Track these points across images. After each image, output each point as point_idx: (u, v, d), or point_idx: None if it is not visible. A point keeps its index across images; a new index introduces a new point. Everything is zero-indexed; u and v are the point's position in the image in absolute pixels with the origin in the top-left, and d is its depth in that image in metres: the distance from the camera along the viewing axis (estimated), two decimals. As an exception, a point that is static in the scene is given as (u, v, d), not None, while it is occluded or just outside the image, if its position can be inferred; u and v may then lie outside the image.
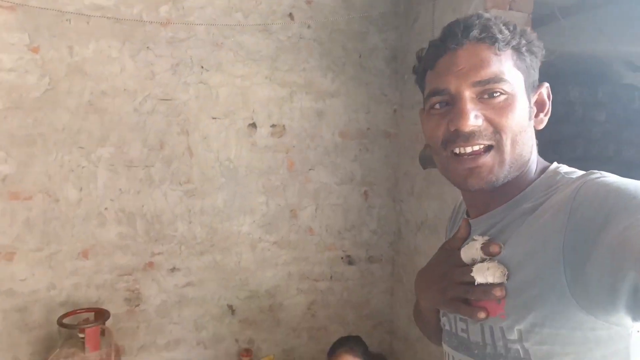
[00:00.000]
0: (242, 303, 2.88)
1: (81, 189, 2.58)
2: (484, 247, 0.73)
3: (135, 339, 2.71)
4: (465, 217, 0.84)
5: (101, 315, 2.37)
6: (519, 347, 0.67)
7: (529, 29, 0.76)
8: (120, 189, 2.63)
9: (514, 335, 0.68)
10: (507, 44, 0.72)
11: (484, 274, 0.70)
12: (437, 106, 0.75)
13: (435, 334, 0.90)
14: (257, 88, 2.81)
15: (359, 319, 3.07)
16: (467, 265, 0.75)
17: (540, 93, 0.77)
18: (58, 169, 2.54)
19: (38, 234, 2.53)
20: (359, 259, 3.06)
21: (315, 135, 2.92)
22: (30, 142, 2.46)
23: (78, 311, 2.41)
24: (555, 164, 0.77)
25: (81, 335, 2.25)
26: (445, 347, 0.85)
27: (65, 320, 2.31)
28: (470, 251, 0.75)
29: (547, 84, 0.78)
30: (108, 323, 2.42)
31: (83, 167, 2.57)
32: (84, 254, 2.60)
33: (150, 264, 2.71)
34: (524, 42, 0.73)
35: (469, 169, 0.72)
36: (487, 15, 0.74)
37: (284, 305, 2.95)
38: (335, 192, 2.98)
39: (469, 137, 0.70)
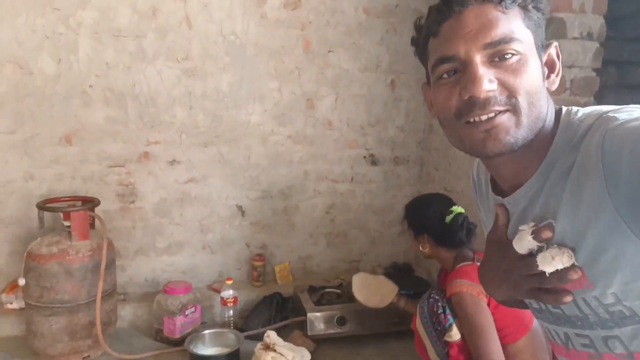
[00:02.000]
0: (253, 204, 2.53)
1: (59, 61, 2.16)
2: (536, 236, 0.69)
3: (131, 241, 2.38)
4: (495, 196, 0.83)
5: (89, 202, 2.01)
6: (621, 307, 0.66)
7: None
8: (107, 63, 2.21)
9: (610, 300, 0.67)
10: (514, 1, 0.68)
11: (551, 264, 0.68)
12: (446, 75, 0.71)
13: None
14: (267, -53, 2.34)
15: (382, 226, 2.75)
16: (526, 255, 0.72)
17: (549, 53, 0.74)
18: (30, 34, 2.10)
19: (9, 113, 2.13)
20: (384, 158, 2.70)
21: (336, 9, 2.47)
22: (-7, -4, 2.02)
23: (62, 199, 2.05)
24: (564, 110, 0.73)
25: (66, 224, 1.90)
26: (541, 322, 0.83)
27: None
28: (522, 243, 0.72)
29: (555, 43, 0.75)
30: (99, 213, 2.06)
31: (60, 33, 2.14)
32: (67, 140, 2.22)
33: (146, 155, 2.33)
34: None
35: (486, 131, 0.68)
36: None
37: (300, 208, 2.61)
38: (358, 80, 2.58)
39: (485, 104, 0.66)
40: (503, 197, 0.80)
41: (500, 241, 0.78)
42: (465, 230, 1.62)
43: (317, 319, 2.11)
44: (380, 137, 2.67)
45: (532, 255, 0.71)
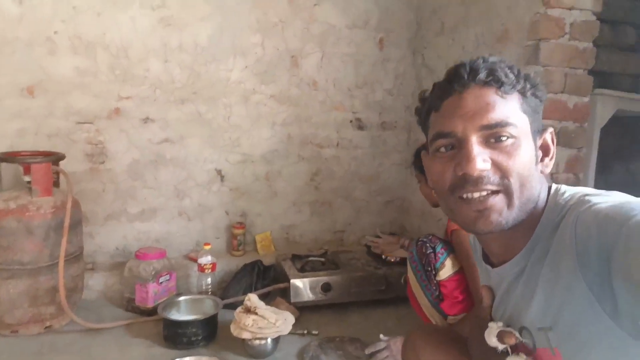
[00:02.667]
0: (233, 168, 2.38)
1: (20, 2, 1.96)
2: (499, 338, 0.75)
3: (101, 205, 2.20)
4: (485, 265, 0.85)
5: (53, 155, 1.84)
6: None
7: (532, 73, 0.83)
8: (74, 7, 2.03)
9: None
10: (513, 87, 0.71)
11: None
12: (443, 149, 0.74)
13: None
14: None
15: (369, 194, 2.64)
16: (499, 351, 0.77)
17: (544, 138, 0.76)
18: (-15, -29, 1.90)
19: (-37, 59, 1.93)
20: (371, 123, 2.58)
21: (323, -40, 2.33)
22: None
23: (22, 152, 1.87)
24: (553, 189, 0.75)
25: (27, 179, 1.73)
26: None
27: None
28: (490, 337, 0.77)
29: (551, 129, 0.77)
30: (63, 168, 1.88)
31: (20, -28, 1.94)
32: (29, 91, 2.02)
33: (117, 111, 2.16)
34: (528, 86, 0.73)
35: (478, 211, 0.70)
36: (492, 58, 0.73)
37: (283, 174, 2.47)
38: (346, 37, 2.44)
39: (478, 182, 0.69)
40: (493, 267, 0.83)
41: (483, 320, 0.81)
42: None
43: (301, 286, 1.99)
44: (368, 100, 2.54)
45: (503, 353, 0.76)
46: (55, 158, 1.80)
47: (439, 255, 1.47)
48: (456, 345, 1.01)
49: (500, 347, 0.75)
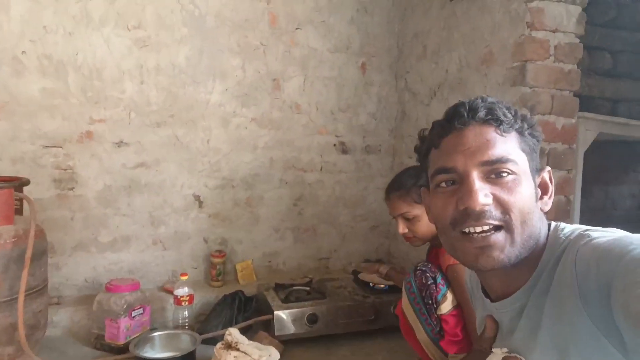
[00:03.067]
0: (212, 193, 2.28)
1: (-15, 20, 1.86)
2: None
3: (69, 234, 2.05)
4: (485, 299, 0.84)
5: (15, 181, 1.70)
6: None
7: (529, 114, 0.86)
8: (44, 27, 1.93)
9: None
10: (511, 126, 0.74)
11: None
12: (444, 184, 0.75)
13: None
14: None
15: (353, 220, 2.56)
16: None
17: (543, 176, 0.77)
18: (-51, -12, 1.80)
19: None
20: (355, 147, 2.53)
21: (304, -16, 2.32)
22: None
23: (-19, 178, 1.72)
24: (553, 226, 0.76)
25: (-15, 206, 1.58)
26: None
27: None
28: None
29: (548, 168, 0.79)
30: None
31: (-13, -11, 1.85)
32: (-7, 113, 1.90)
33: (89, 134, 2.04)
34: (526, 125, 0.75)
35: (480, 248, 0.70)
36: (490, 99, 0.76)
37: (265, 199, 2.38)
38: (328, 61, 2.42)
39: (480, 216, 0.69)
40: (492, 301, 0.82)
41: (484, 353, 0.79)
42: None
43: (285, 318, 1.87)
44: (351, 124, 2.51)
45: None
46: (18, 184, 1.66)
47: (440, 286, 1.35)
48: None
49: None
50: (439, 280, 1.36)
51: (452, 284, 1.33)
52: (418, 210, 1.44)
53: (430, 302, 1.35)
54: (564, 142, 1.72)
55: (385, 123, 2.58)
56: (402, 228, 1.48)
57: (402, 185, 1.47)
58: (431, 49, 2.25)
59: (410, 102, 2.45)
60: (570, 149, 1.73)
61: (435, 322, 1.34)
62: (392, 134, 2.58)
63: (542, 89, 1.67)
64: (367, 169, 2.57)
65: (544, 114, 1.68)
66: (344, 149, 2.51)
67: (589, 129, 1.85)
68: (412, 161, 2.32)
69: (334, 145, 2.49)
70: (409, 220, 1.46)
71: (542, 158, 1.69)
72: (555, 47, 1.67)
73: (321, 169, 2.48)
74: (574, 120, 1.72)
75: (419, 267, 1.42)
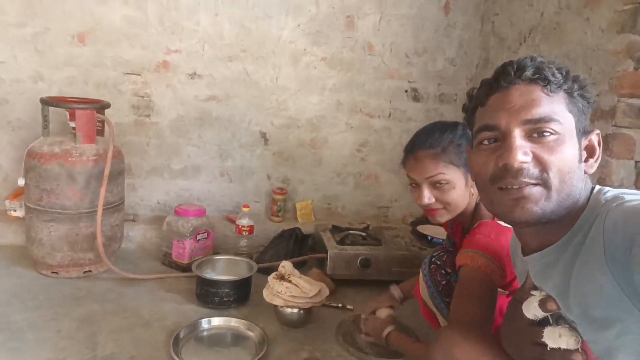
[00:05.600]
0: (278, 132, 2.30)
1: (75, -54, 1.93)
2: (541, 305, 0.74)
3: (145, 159, 2.19)
4: (522, 256, 0.84)
5: (98, 103, 1.82)
6: None
7: (582, 76, 0.76)
8: (126, -46, 1.97)
9: None
10: (559, 86, 0.73)
11: (556, 341, 0.71)
12: (486, 142, 0.77)
13: None
14: None
15: (419, 171, 2.47)
16: (537, 324, 0.76)
17: (590, 139, 0.76)
18: None
19: (19, 3, 1.93)
20: (428, 94, 2.40)
21: None
22: None
23: (70, 99, 1.86)
24: (596, 189, 0.75)
25: (72, 124, 1.72)
26: None
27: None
28: (530, 308, 0.76)
29: (598, 131, 0.77)
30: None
31: None
32: (80, 39, 2.01)
33: (165, 64, 2.11)
34: (576, 86, 0.74)
35: (515, 200, 0.72)
36: (540, 58, 0.75)
37: (329, 142, 2.36)
38: (408, -2, 2.25)
39: (518, 174, 0.70)
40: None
41: (521, 302, 0.80)
42: None
43: (339, 258, 1.89)
44: (427, 69, 2.36)
45: (542, 325, 0.75)
46: (99, 106, 1.78)
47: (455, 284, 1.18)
48: (492, 343, 0.90)
49: (541, 315, 0.74)
50: (455, 277, 1.19)
51: (458, 283, 1.13)
52: (454, 174, 1.15)
53: (448, 300, 1.21)
54: (673, 102, 1.49)
55: (465, 70, 2.39)
56: (427, 197, 1.16)
57: (437, 142, 1.17)
58: (526, -13, 2.00)
59: (495, 47, 2.24)
60: (680, 109, 1.50)
61: None
62: (471, 83, 2.40)
63: (655, 37, 1.44)
64: (439, 119, 2.43)
65: (652, 67, 1.45)
66: (415, 96, 2.39)
67: None
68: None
69: (406, 91, 2.37)
70: (439, 187, 1.16)
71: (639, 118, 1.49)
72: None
73: (389, 116, 2.39)
74: (690, 76, 1.47)
75: (433, 260, 1.29)
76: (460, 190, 1.16)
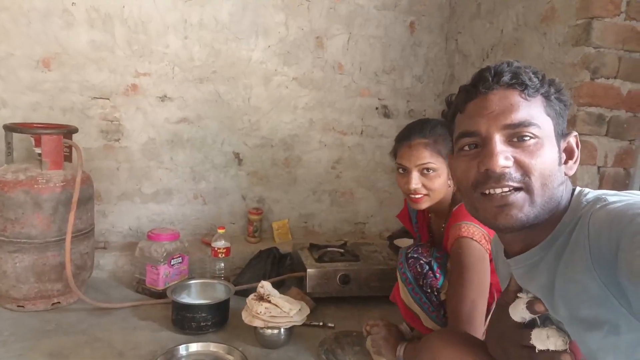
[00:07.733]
0: (252, 152, 2.29)
1: (39, -29, 1.91)
2: (529, 306, 0.74)
3: (115, 184, 2.14)
4: (504, 259, 0.84)
5: (65, 128, 1.77)
6: None
7: (557, 79, 0.77)
8: (92, -22, 1.96)
9: None
10: (537, 90, 0.73)
11: (544, 342, 0.71)
12: (467, 148, 0.77)
13: None
14: None
15: (392, 185, 2.50)
16: (524, 327, 0.77)
17: (569, 141, 0.77)
18: (6, -62, 1.85)
19: (-19, 27, 1.88)
20: (398, 111, 2.45)
21: (353, -63, 2.21)
22: None
23: (35, 124, 1.81)
24: (577, 191, 0.76)
25: (38, 150, 1.67)
26: None
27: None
28: (517, 310, 0.76)
29: (575, 133, 0.78)
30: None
31: (41, -60, 1.88)
32: (45, 63, 1.97)
33: (134, 87, 2.09)
34: (553, 90, 0.75)
35: (500, 207, 0.72)
36: (517, 63, 0.76)
37: (303, 161, 2.37)
38: (374, 19, 2.32)
39: (500, 178, 0.71)
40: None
41: (505, 304, 0.80)
42: None
43: (318, 276, 1.88)
44: (395, 87, 2.42)
45: (529, 327, 0.75)
46: (67, 131, 1.73)
47: (438, 273, 1.28)
48: (477, 348, 0.91)
49: (528, 317, 0.74)
50: (435, 267, 1.28)
51: (453, 255, 1.22)
52: (440, 164, 1.26)
53: (429, 291, 1.28)
54: (629, 110, 1.57)
55: (432, 87, 2.47)
56: (415, 182, 1.26)
57: (430, 133, 1.27)
58: (486, 7, 2.10)
59: (460, 64, 2.32)
60: (636, 117, 1.58)
61: (438, 308, 1.28)
62: (438, 98, 2.47)
63: (608, 50, 1.53)
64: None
65: (608, 78, 1.54)
66: (386, 113, 2.43)
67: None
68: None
69: (376, 108, 2.42)
70: (426, 175, 1.26)
71: (602, 125, 1.56)
72: (629, 2, 1.51)
73: (361, 133, 2.42)
74: (642, 85, 1.56)
75: (410, 255, 1.34)
76: (443, 179, 1.29)
